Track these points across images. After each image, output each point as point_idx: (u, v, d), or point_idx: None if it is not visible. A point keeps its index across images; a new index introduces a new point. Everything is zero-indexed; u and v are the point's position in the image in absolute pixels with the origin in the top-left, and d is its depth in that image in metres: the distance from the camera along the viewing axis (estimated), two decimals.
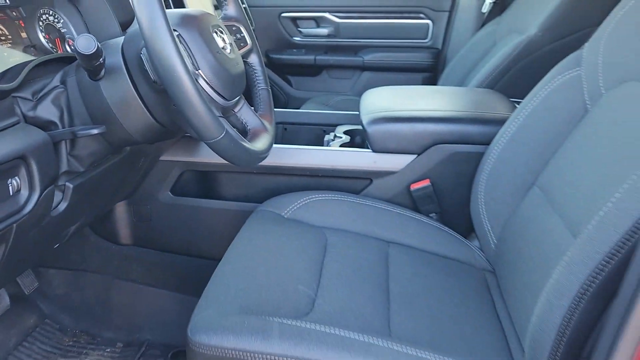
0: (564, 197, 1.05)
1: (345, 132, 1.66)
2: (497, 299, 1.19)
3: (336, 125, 1.74)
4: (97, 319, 1.57)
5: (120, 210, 1.56)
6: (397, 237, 1.35)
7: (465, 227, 1.42)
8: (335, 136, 1.65)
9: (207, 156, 1.49)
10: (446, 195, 1.42)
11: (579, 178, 1.03)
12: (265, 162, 1.47)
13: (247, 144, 1.01)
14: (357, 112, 1.63)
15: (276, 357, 0.88)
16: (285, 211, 1.38)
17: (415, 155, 1.42)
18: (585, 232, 0.84)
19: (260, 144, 1.08)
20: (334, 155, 1.46)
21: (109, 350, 1.50)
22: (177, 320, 1.53)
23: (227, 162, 1.46)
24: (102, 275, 1.59)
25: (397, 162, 1.43)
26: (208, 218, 1.53)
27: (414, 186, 1.41)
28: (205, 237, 1.54)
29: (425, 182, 1.40)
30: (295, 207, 1.38)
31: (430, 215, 1.42)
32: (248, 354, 0.89)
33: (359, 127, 1.68)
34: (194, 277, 1.57)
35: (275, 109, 2.04)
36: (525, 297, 1.02)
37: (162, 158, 1.49)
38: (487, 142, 1.35)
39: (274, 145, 1.52)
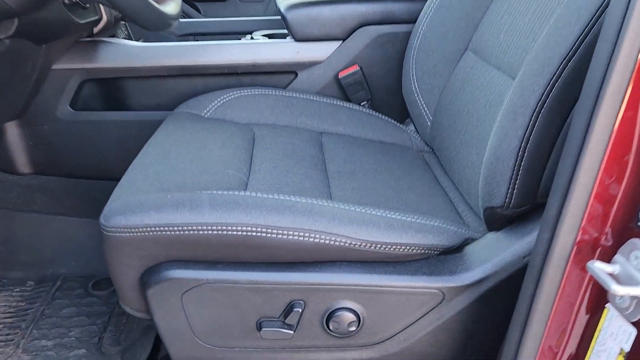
0: (499, 50, 0.99)
1: (264, 36, 1.54)
2: (439, 174, 1.13)
3: (252, 32, 1.61)
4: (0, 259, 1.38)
5: (12, 133, 1.35)
6: (329, 127, 1.25)
7: (398, 112, 1.35)
8: (252, 39, 1.51)
9: (108, 61, 1.31)
10: (376, 81, 1.34)
11: (511, 29, 0.97)
12: (177, 62, 1.32)
13: (155, 4, 0.87)
14: (276, 17, 1.51)
15: (209, 227, 0.76)
16: (205, 111, 1.24)
17: (340, 41, 1.32)
18: (526, 65, 0.78)
19: (169, 7, 0.94)
20: (253, 48, 1.34)
21: (17, 290, 1.32)
22: (93, 248, 1.36)
23: (130, 67, 1.31)
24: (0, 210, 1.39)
25: (322, 50, 1.32)
26: (116, 133, 1.37)
27: (342, 73, 1.31)
28: (115, 155, 1.37)
29: (354, 68, 1.31)
30: (215, 106, 1.25)
31: (362, 103, 1.34)
32: (175, 229, 0.77)
33: (279, 30, 1.55)
34: (106, 201, 1.41)
35: (184, 20, 1.87)
36: (469, 150, 0.96)
37: (55, 66, 1.30)
38: (412, 21, 1.28)
39: (185, 43, 1.37)
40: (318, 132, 1.23)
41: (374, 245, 0.79)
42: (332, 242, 0.78)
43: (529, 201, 0.77)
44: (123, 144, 1.36)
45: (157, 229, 0.76)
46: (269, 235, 0.77)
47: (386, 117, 1.31)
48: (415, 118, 1.27)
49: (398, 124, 1.30)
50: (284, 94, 1.29)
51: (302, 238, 0.77)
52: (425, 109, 1.23)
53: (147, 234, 0.77)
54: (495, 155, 0.78)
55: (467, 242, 0.86)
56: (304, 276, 0.79)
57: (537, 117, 0.72)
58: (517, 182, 0.75)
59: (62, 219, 1.38)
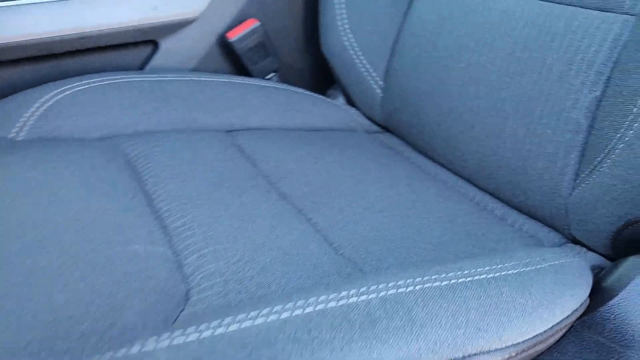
0: None
1: None
2: (425, 167, 0.78)
3: None
4: None
5: None
6: (239, 121, 0.80)
7: (321, 80, 0.95)
8: None
9: None
10: (286, 39, 0.91)
11: None
12: None
13: None
14: None
15: None
16: (16, 128, 0.68)
17: None
18: None
19: None
20: (75, 8, 0.79)
21: None
22: None
23: None
24: None
25: (192, 0, 0.84)
26: None
27: (233, 34, 0.85)
28: None
29: (251, 24, 0.86)
30: (35, 116, 0.70)
31: (269, 76, 0.90)
32: None
33: None
34: None
35: None
36: (504, 122, 0.61)
37: None
38: None
39: None
40: (224, 132, 0.77)
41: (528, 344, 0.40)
42: None
43: None
44: None
45: None
46: None
47: (307, 92, 0.89)
48: (350, 85, 0.88)
49: (327, 99, 0.90)
50: (148, 78, 0.79)
51: None
52: (369, 69, 0.85)
53: None
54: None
55: (601, 275, 0.52)
56: None
57: None
58: None
59: None
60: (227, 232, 0.51)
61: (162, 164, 0.64)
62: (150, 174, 0.61)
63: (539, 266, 0.47)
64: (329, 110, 0.87)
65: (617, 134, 0.49)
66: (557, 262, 0.48)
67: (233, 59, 0.87)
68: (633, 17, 0.54)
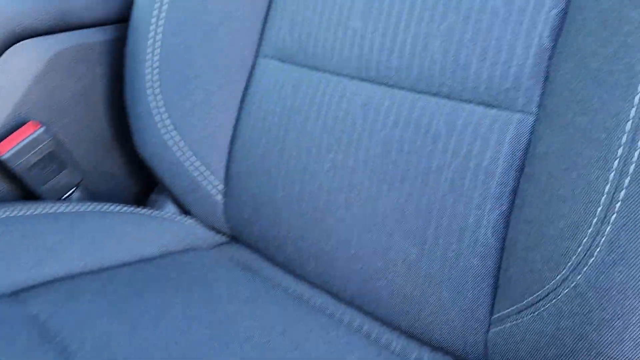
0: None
1: None
2: (280, 279, 0.62)
3: None
4: None
5: None
6: (26, 273, 0.57)
7: (140, 186, 0.74)
8: None
9: None
10: (86, 141, 0.68)
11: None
12: None
13: None
14: None
15: None
16: None
17: None
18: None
19: None
20: None
21: None
22: None
23: None
24: None
25: None
26: None
27: (5, 148, 0.61)
28: None
29: (31, 130, 0.62)
30: None
31: (68, 194, 0.67)
32: None
33: None
34: None
35: None
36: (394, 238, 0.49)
37: None
38: (118, 19, 0.68)
39: None
40: (9, 297, 0.54)
41: None
42: None
43: None
44: None
45: None
46: None
47: (127, 206, 0.68)
48: (181, 191, 0.69)
49: (154, 213, 0.69)
50: None
51: None
52: (204, 172, 0.68)
53: None
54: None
55: None
56: None
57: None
58: None
59: None
60: None
61: None
62: None
63: None
64: (158, 228, 0.67)
65: (556, 274, 0.39)
66: None
67: (11, 180, 0.63)
68: (531, 116, 0.45)
